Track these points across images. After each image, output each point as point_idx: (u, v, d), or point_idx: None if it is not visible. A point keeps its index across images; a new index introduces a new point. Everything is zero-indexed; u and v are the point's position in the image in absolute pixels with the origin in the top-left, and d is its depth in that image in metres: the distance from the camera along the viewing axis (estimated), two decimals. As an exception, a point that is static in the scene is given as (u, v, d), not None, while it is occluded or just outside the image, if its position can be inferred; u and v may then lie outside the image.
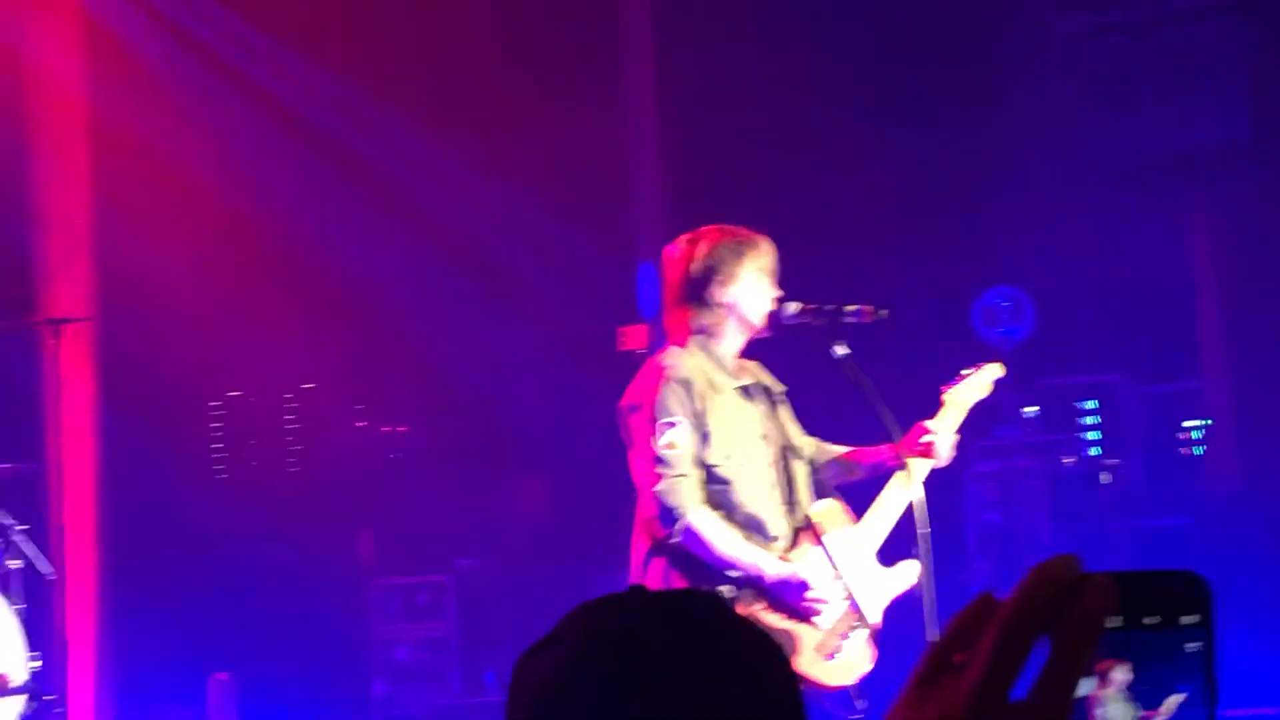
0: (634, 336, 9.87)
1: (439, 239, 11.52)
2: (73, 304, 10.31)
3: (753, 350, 5.68)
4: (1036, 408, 9.72)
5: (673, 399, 5.31)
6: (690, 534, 5.17)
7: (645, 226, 10.48)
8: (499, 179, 11.14)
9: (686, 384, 5.32)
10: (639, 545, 5.50)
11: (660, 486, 5.21)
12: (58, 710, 8.76)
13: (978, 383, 6.00)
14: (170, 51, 10.83)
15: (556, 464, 11.37)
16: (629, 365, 8.80)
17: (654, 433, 5.31)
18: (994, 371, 6.09)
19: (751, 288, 5.45)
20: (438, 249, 11.51)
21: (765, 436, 5.49)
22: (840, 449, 5.89)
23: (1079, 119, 10.11)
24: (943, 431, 5.70)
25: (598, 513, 9.52)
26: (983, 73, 11.26)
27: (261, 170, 11.13)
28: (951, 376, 6.20)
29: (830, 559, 5.32)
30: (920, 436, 5.63)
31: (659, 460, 5.26)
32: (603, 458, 8.33)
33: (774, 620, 5.26)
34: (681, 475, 5.22)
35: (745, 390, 5.51)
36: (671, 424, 5.29)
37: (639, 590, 1.67)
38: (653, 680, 1.45)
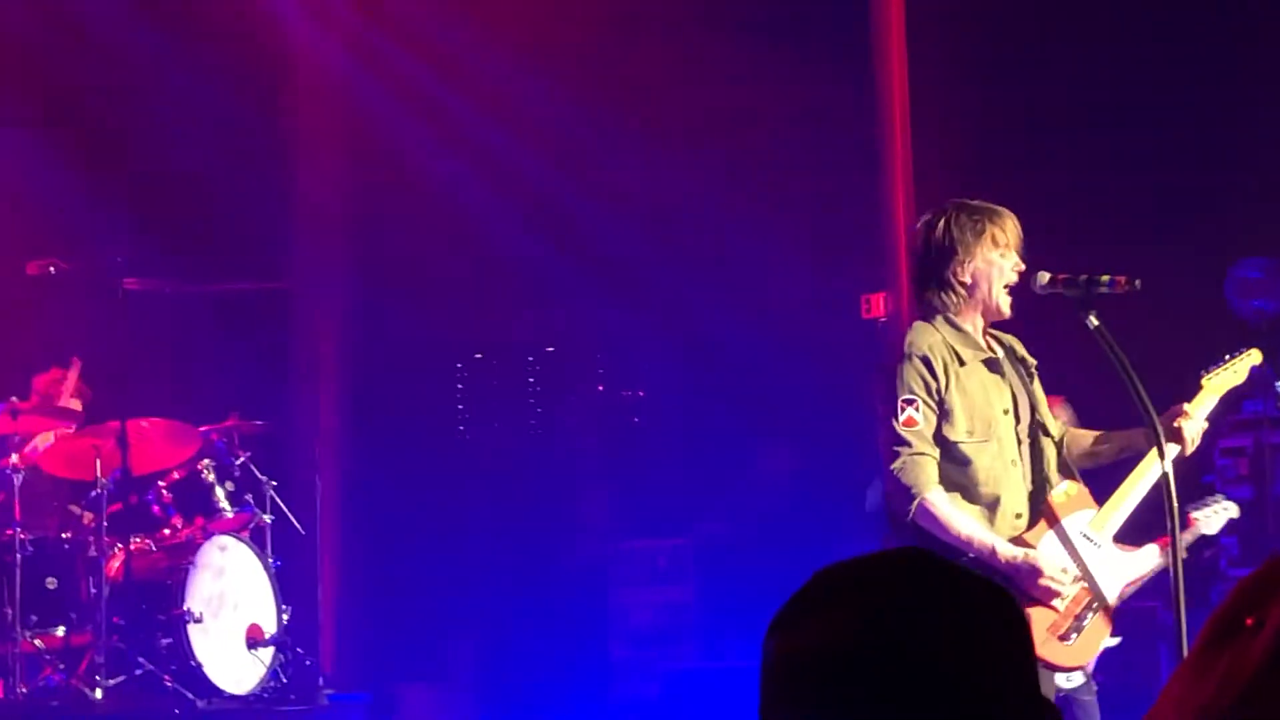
0: (877, 304, 9.84)
1: (681, 205, 11.77)
2: (324, 269, 11.09)
3: (1004, 324, 5.60)
4: (1289, 382, 9.46)
5: (912, 376, 5.29)
6: (925, 513, 5.16)
7: (894, 193, 10.38)
8: (747, 147, 11.49)
9: (927, 361, 5.29)
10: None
11: (897, 464, 5.20)
12: (308, 662, 9.29)
13: (1237, 369, 5.88)
14: (426, 44, 11.14)
15: (800, 431, 11.37)
16: (874, 332, 9.44)
17: (894, 410, 5.31)
18: (1254, 358, 5.97)
19: (992, 265, 5.40)
20: (680, 215, 11.80)
21: (1009, 411, 5.44)
22: (1088, 434, 5.85)
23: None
24: (1197, 417, 5.59)
25: (839, 480, 9.57)
26: (1236, 34, 10.55)
27: (504, 144, 11.52)
28: (1202, 351, 5.95)
29: (1069, 542, 5.41)
30: (1175, 419, 5.51)
31: (898, 439, 5.25)
32: (847, 425, 8.55)
33: None
34: (919, 454, 5.21)
35: (992, 363, 5.44)
36: (911, 401, 5.30)
37: (875, 556, 1.65)
38: (891, 648, 1.45)
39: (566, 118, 11.79)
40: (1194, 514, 7.36)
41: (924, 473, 5.20)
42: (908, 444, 5.22)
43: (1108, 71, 10.75)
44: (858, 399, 6.81)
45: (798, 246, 11.35)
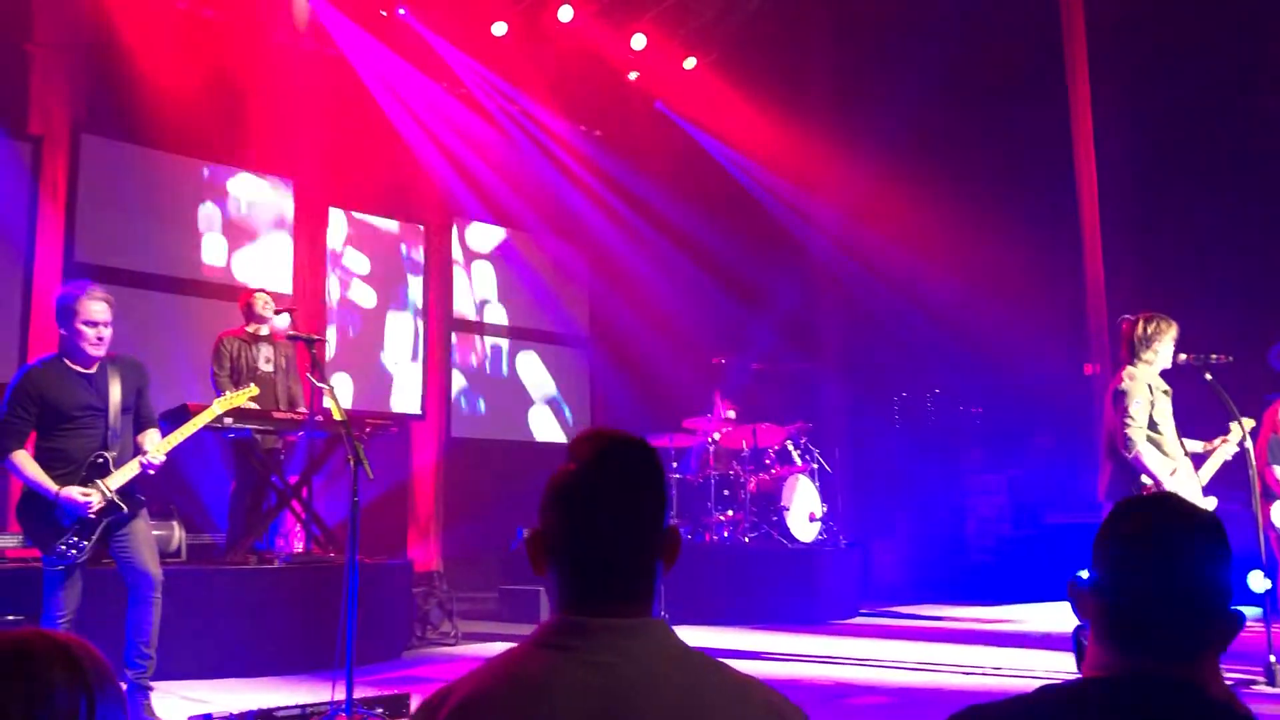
0: (1090, 368, 13.22)
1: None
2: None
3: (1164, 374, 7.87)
4: None
5: (1135, 388, 7.58)
6: (1137, 457, 7.45)
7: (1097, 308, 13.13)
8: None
9: (1141, 384, 7.62)
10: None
11: (1130, 433, 7.48)
12: (834, 526, 13.67)
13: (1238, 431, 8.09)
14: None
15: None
16: (1089, 380, 12.23)
17: (1126, 407, 7.51)
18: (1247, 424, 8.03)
19: (1165, 348, 7.74)
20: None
21: (1170, 414, 7.77)
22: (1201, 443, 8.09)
23: None
24: (1232, 441, 8.02)
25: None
26: None
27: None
28: (1250, 391, 8.57)
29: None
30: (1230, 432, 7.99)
31: (1130, 419, 7.51)
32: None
33: None
34: (1140, 427, 7.51)
35: (1166, 392, 7.82)
36: (1138, 402, 7.54)
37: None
38: None
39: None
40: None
41: (1137, 436, 7.44)
42: (1135, 423, 7.46)
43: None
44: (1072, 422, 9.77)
45: (1044, 336, 14.56)
